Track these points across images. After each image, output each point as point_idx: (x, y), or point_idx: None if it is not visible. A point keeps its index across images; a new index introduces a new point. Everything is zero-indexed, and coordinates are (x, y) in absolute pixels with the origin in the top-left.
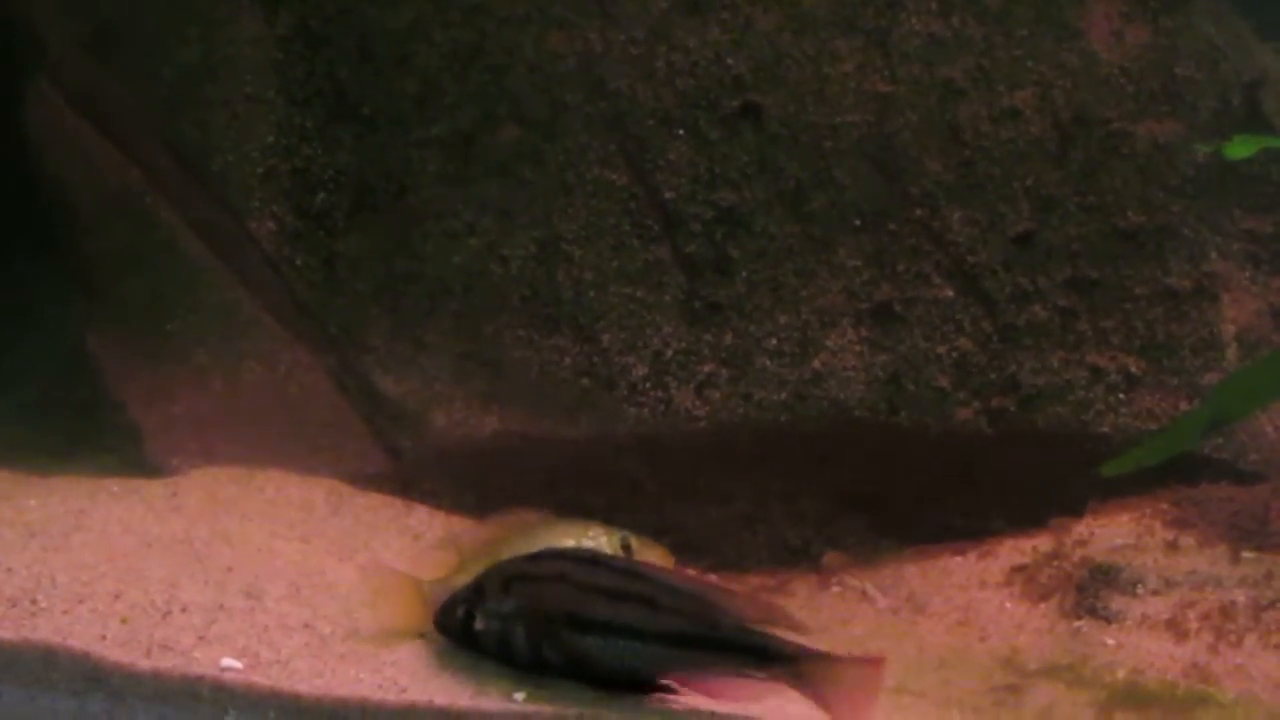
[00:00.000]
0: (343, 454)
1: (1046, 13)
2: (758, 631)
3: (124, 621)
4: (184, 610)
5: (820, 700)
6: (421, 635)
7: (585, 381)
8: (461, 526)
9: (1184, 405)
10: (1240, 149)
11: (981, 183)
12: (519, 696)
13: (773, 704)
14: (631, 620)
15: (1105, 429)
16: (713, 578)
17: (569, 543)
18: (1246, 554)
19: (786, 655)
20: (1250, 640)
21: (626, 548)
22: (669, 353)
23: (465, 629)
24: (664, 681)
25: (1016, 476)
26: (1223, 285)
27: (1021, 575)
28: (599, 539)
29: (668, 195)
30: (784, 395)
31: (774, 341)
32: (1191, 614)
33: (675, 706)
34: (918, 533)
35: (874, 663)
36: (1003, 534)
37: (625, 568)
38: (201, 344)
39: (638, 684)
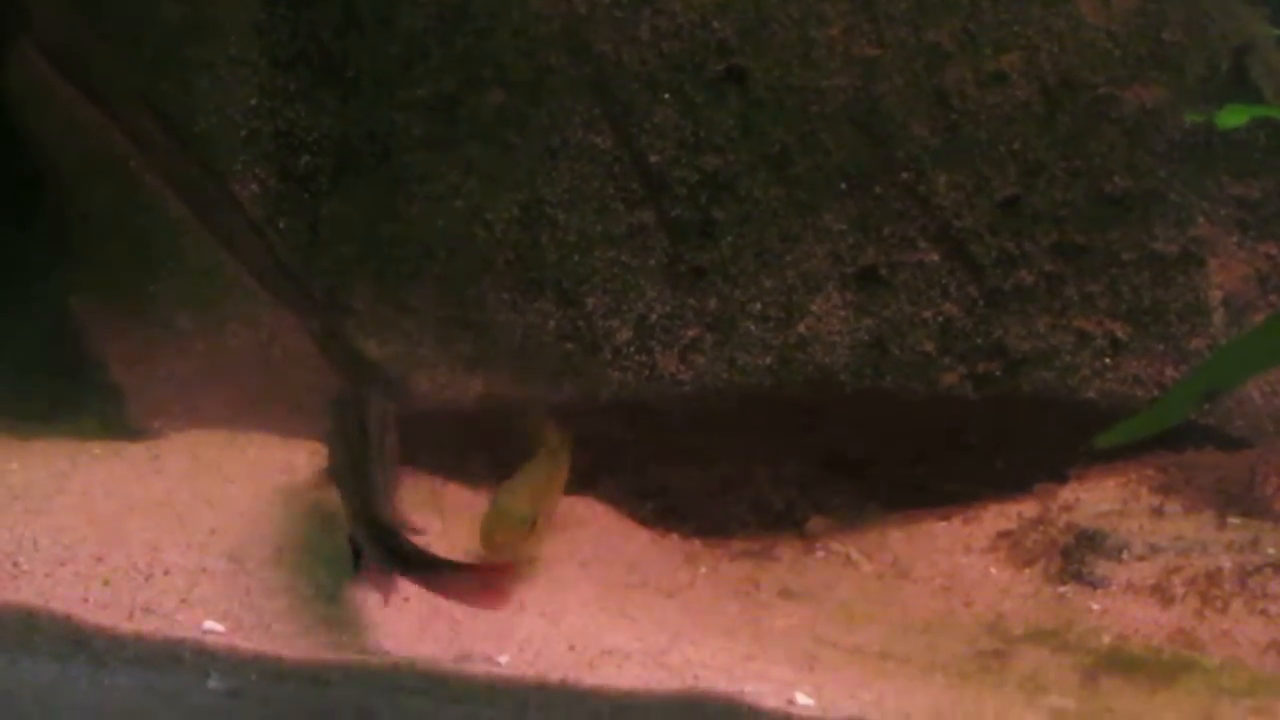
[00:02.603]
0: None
1: None
2: (401, 538)
3: (106, 584)
4: (166, 573)
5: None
6: None
7: (569, 345)
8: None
9: (1170, 370)
10: (1231, 118)
11: (968, 147)
12: (503, 659)
13: None
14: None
15: (1091, 394)
16: None
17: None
18: (1232, 520)
19: (420, 563)
20: (1236, 605)
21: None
22: (653, 317)
23: None
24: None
25: (1002, 442)
26: (1210, 250)
27: (1007, 541)
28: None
29: (653, 159)
30: (768, 360)
31: (758, 306)
32: (1177, 580)
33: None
34: (902, 498)
35: (502, 568)
36: (988, 499)
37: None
38: (184, 306)
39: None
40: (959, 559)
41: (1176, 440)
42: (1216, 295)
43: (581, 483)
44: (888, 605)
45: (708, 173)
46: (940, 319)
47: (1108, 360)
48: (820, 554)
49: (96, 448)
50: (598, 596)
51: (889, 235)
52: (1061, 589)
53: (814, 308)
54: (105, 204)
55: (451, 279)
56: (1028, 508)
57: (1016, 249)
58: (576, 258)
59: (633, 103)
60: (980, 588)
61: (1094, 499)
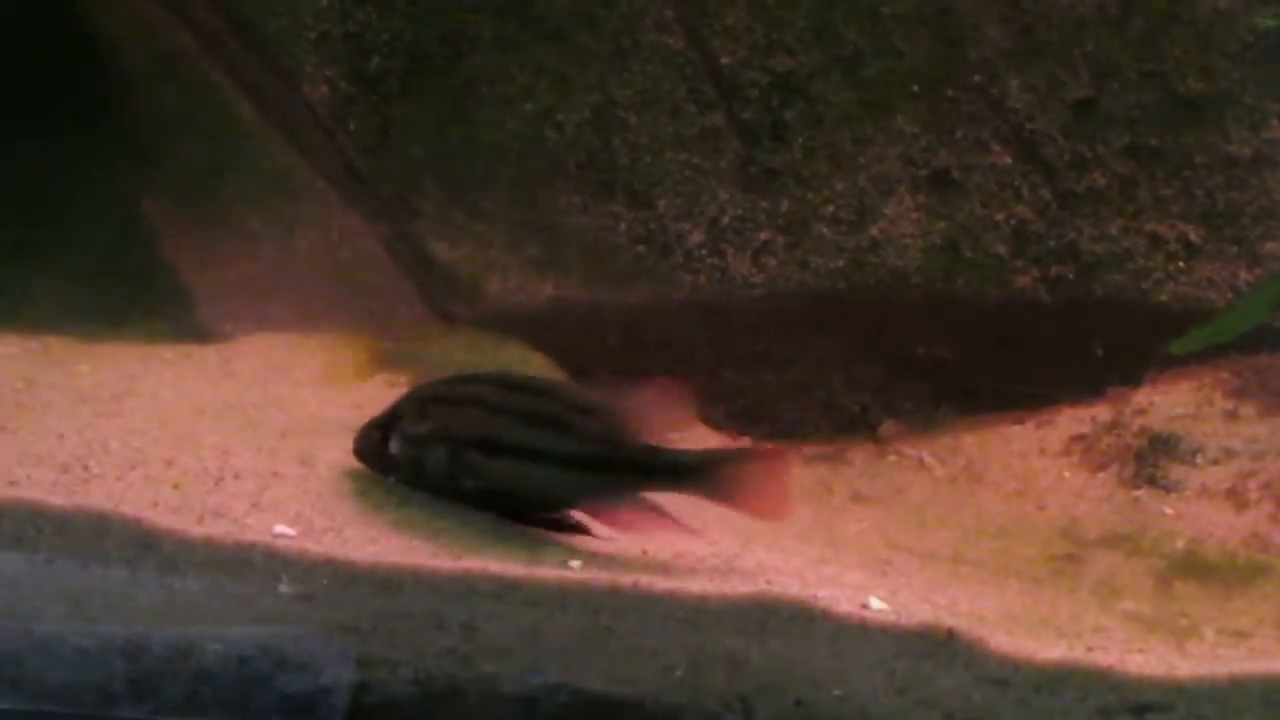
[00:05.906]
0: (396, 320)
1: None
2: (662, 448)
3: (176, 488)
4: (237, 477)
5: (735, 503)
6: None
7: (641, 248)
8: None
9: (1244, 273)
10: None
11: (1040, 49)
12: (575, 564)
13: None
14: (540, 443)
15: (1164, 297)
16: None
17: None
18: None
19: (688, 466)
20: None
21: None
22: (725, 219)
23: (380, 453)
24: (574, 517)
25: (1075, 345)
26: None
27: (1080, 444)
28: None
29: (724, 61)
30: (841, 262)
31: (831, 208)
32: (1251, 483)
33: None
34: (975, 401)
35: (778, 452)
36: (1061, 403)
37: (540, 388)
38: (255, 209)
39: (550, 513)
40: (1032, 463)
41: (1250, 344)
42: None
43: None
44: (960, 509)
45: (779, 75)
46: (1013, 222)
47: (1181, 263)
48: (893, 458)
49: (167, 351)
50: (670, 500)
51: (961, 138)
52: (1135, 493)
53: (886, 210)
54: (175, 106)
55: (522, 182)
56: (1101, 411)
57: (1089, 151)
58: (648, 160)
59: (705, 4)
60: (1054, 492)
61: (1168, 402)
